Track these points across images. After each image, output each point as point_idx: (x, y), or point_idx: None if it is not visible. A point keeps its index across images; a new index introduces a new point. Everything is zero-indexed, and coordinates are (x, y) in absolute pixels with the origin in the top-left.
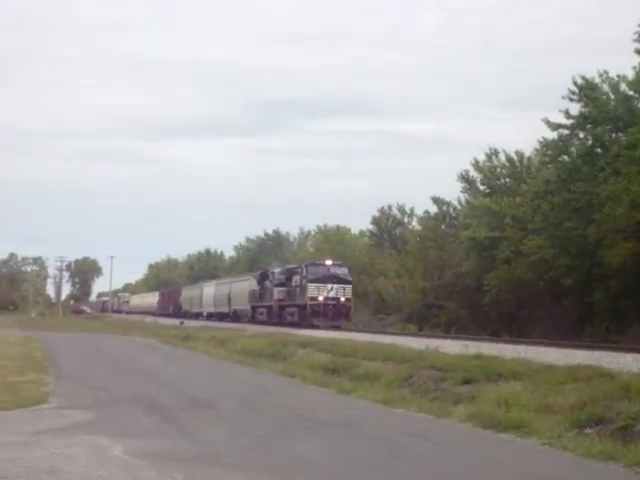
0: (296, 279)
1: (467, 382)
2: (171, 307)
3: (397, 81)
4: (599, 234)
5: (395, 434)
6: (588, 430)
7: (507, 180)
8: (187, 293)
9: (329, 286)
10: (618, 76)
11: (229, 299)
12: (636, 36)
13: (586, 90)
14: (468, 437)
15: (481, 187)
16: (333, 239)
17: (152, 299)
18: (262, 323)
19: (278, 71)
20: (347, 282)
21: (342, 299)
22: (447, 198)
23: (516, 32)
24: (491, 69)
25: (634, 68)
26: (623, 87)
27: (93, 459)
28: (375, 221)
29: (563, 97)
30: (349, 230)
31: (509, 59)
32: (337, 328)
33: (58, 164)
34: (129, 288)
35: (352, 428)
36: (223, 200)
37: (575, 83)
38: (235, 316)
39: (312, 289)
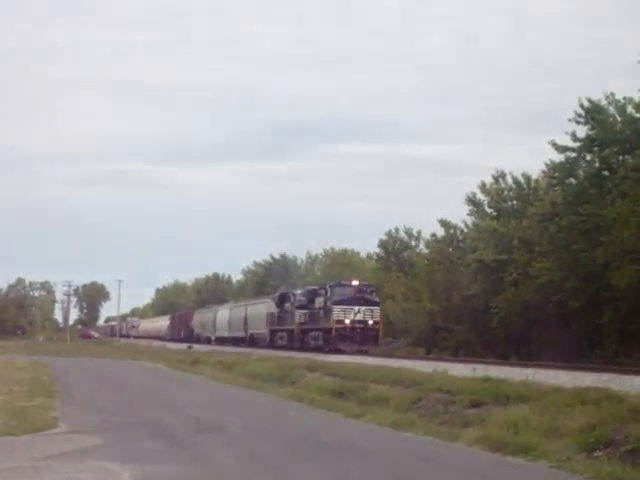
0: (319, 301)
1: (475, 405)
2: (182, 331)
3: (403, 105)
4: (607, 256)
5: (403, 458)
6: (597, 453)
7: (514, 202)
8: (200, 317)
9: (356, 308)
10: (624, 98)
11: (245, 323)
12: None
13: (592, 112)
14: (477, 461)
15: (488, 210)
16: (340, 262)
17: (162, 323)
18: (282, 348)
19: (282, 96)
20: (375, 304)
21: (370, 322)
22: (454, 221)
23: (522, 55)
24: (498, 92)
25: None
26: (630, 109)
27: None
28: (382, 244)
29: (570, 120)
30: (357, 253)
31: (516, 82)
32: (364, 353)
33: (61, 188)
34: (137, 312)
35: (360, 452)
36: (230, 224)
37: (582, 105)
38: (252, 341)
39: (338, 311)
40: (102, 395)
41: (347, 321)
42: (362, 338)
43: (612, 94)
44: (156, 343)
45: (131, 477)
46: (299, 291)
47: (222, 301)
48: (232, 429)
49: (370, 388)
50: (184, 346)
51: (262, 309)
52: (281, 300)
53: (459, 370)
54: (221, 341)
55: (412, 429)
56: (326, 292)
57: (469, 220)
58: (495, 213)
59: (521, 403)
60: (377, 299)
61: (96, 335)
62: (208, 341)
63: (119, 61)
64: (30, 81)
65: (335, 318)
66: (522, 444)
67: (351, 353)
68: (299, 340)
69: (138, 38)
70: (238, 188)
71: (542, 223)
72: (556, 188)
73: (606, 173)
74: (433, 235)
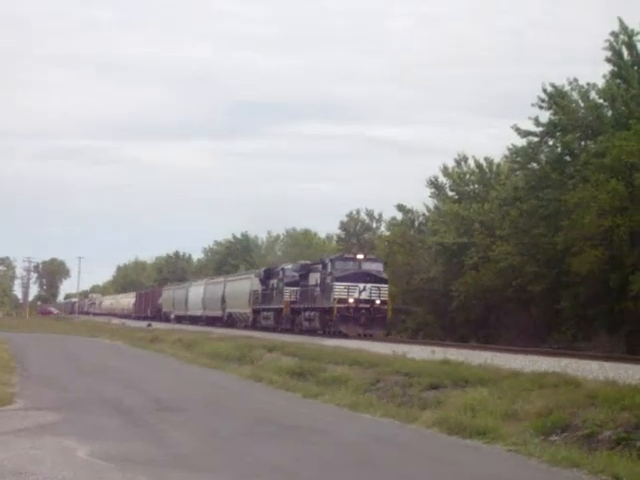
0: (315, 277)
1: (434, 387)
2: (149, 309)
3: (366, 85)
4: (567, 241)
5: (361, 439)
6: (554, 437)
7: (476, 186)
8: (169, 294)
9: (361, 285)
10: (588, 84)
11: (223, 301)
12: (607, 44)
13: (556, 98)
14: (434, 443)
15: (450, 193)
16: (302, 243)
17: (127, 300)
18: (267, 329)
19: (247, 74)
20: (383, 281)
21: (377, 302)
22: (414, 204)
23: (487, 39)
24: (462, 75)
25: (604, 76)
26: (593, 95)
27: (59, 461)
28: (343, 226)
29: (533, 104)
30: (317, 234)
31: (480, 66)
32: (369, 338)
33: (24, 164)
34: (97, 290)
35: (318, 432)
36: (192, 202)
37: (545, 90)
38: (230, 320)
39: (340, 289)
40: (61, 372)
41: (351, 300)
42: (368, 320)
43: (575, 80)
44: (115, 320)
45: (89, 454)
46: (289, 266)
47: (182, 279)
48: (190, 408)
49: (329, 369)
50: (143, 324)
51: (244, 286)
52: (267, 276)
53: (418, 352)
54: (194, 320)
55: (370, 410)
56: (325, 266)
57: (430, 203)
58: (457, 196)
59: (479, 386)
60: (385, 275)
61: (55, 311)
62: (180, 320)
63: (87, 37)
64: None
65: (337, 296)
66: (479, 427)
67: (355, 337)
68: (289, 321)
69: (106, 14)
70: (201, 166)
71: (503, 207)
72: (518, 172)
73: (568, 158)
74: (393, 219)
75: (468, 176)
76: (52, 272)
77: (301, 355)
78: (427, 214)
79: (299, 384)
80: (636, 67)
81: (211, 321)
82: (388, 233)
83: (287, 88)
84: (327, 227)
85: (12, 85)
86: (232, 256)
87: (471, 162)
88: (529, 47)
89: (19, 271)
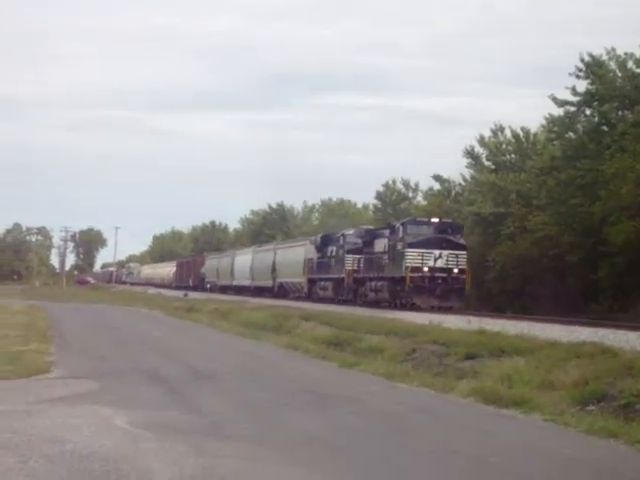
0: (382, 243)
1: (470, 357)
2: (191, 279)
3: (402, 56)
4: (604, 212)
5: (397, 408)
6: (591, 407)
7: (512, 156)
8: (213, 263)
9: (437, 252)
10: (625, 54)
11: (273, 269)
12: None
13: (593, 67)
14: (471, 412)
15: (486, 163)
16: (338, 213)
17: (167, 270)
18: (324, 301)
19: (282, 45)
20: (461, 247)
21: (455, 270)
22: (452, 174)
23: (523, 8)
24: (497, 46)
25: None
26: (630, 65)
27: (96, 429)
28: (379, 196)
29: (570, 74)
30: (354, 204)
31: (516, 36)
32: (447, 311)
33: (60, 134)
34: (133, 259)
35: (354, 402)
36: (228, 173)
37: (582, 60)
38: (282, 291)
39: (413, 256)
40: (97, 341)
41: (425, 269)
42: (444, 291)
43: (613, 49)
44: (152, 290)
45: (126, 422)
46: (350, 232)
47: (218, 249)
48: (227, 378)
49: (365, 338)
50: (180, 293)
51: (297, 253)
52: (324, 243)
53: (454, 322)
54: (240, 291)
55: (406, 380)
56: (394, 231)
57: (467, 173)
58: (493, 166)
59: (515, 356)
60: (463, 241)
61: (92, 281)
62: (225, 290)
63: (107, 7)
64: (16, 28)
65: (409, 264)
66: (516, 397)
67: (430, 310)
68: (351, 292)
69: None
70: (236, 137)
71: (540, 177)
72: (555, 142)
73: (605, 128)
74: (430, 189)
75: (505, 146)
76: (89, 242)
77: (337, 325)
78: (464, 184)
79: (335, 353)
80: None
81: (260, 291)
82: (425, 203)
83: (321, 59)
84: (362, 198)
85: (46, 58)
86: (268, 226)
87: (507, 132)
88: (565, 18)
89: (56, 241)
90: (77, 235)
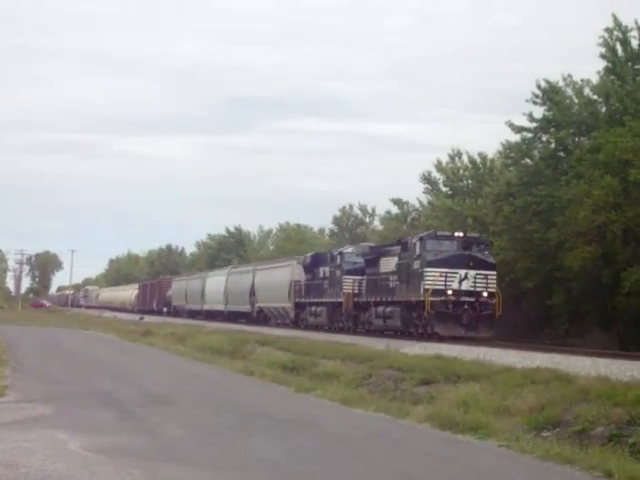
0: (391, 262)
1: (426, 383)
2: (155, 303)
3: (364, 82)
4: (560, 237)
5: (353, 433)
6: (546, 433)
7: (469, 182)
8: (180, 285)
9: (462, 272)
10: (582, 80)
11: (252, 293)
12: (601, 41)
13: (550, 94)
14: (426, 438)
15: (443, 188)
16: (294, 238)
17: (129, 292)
18: (315, 328)
19: (245, 70)
20: (490, 266)
21: (484, 294)
22: (409, 199)
23: (484, 36)
24: (456, 72)
25: (598, 72)
26: (587, 91)
27: (50, 453)
28: (336, 220)
29: (527, 100)
30: (310, 229)
31: (475, 63)
32: (473, 341)
33: (17, 156)
34: (89, 282)
35: (310, 427)
36: (186, 197)
37: (539, 86)
38: (261, 316)
39: (434, 277)
40: (53, 364)
41: (449, 292)
42: (472, 318)
43: (570, 76)
44: (107, 313)
45: (81, 447)
46: (349, 249)
47: (175, 273)
48: (182, 402)
49: (321, 363)
50: (135, 317)
51: (281, 275)
52: (314, 263)
53: (410, 348)
54: (212, 316)
55: (363, 405)
56: (407, 248)
57: (424, 198)
58: (450, 192)
59: (472, 381)
60: (492, 259)
61: (48, 304)
62: (192, 315)
63: (81, 31)
64: None
65: (429, 286)
66: (472, 422)
67: (454, 340)
68: (350, 318)
69: (103, 8)
70: (193, 160)
71: (497, 203)
72: (511, 168)
73: (562, 154)
74: (387, 212)
75: (462, 171)
76: (44, 265)
77: (294, 350)
78: (420, 209)
79: (291, 378)
80: (630, 63)
81: (235, 317)
82: (381, 228)
83: (283, 84)
84: (321, 222)
85: (5, 78)
86: (225, 250)
87: (465, 158)
88: (524, 45)
89: (11, 264)
90: (33, 258)
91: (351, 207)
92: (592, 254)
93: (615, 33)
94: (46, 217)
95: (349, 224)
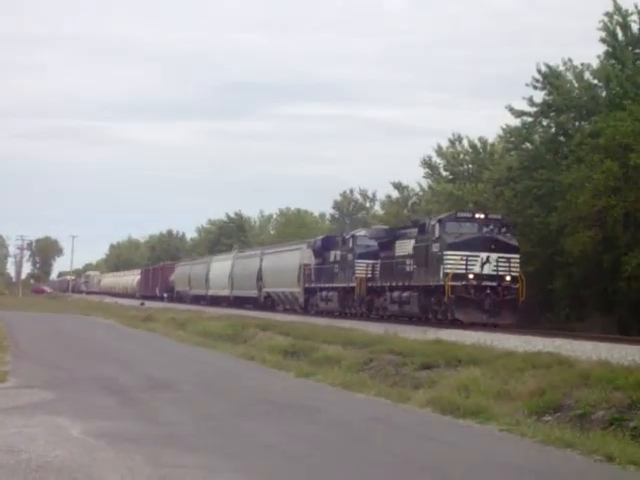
0: (407, 245)
1: (427, 367)
2: (158, 288)
3: (364, 67)
4: (561, 222)
5: (354, 418)
6: (547, 417)
7: (470, 166)
8: (184, 270)
9: (484, 256)
10: (582, 64)
11: (259, 278)
12: (601, 25)
13: (550, 78)
14: (427, 422)
15: (444, 173)
16: (295, 222)
17: (130, 278)
18: (325, 314)
19: (245, 56)
20: (513, 249)
21: (507, 278)
22: (410, 184)
23: (483, 20)
24: (458, 57)
25: (598, 57)
26: (587, 75)
27: (52, 439)
28: (337, 205)
29: (527, 85)
30: (311, 214)
31: (476, 47)
32: (496, 328)
33: (17, 143)
34: (90, 268)
35: (311, 412)
36: (186, 182)
37: (539, 71)
38: (269, 302)
39: (454, 260)
40: (54, 350)
41: (470, 276)
42: (494, 304)
43: (570, 60)
44: (108, 299)
45: (82, 432)
46: (362, 232)
47: (175, 258)
48: (184, 387)
49: (322, 348)
50: (137, 303)
51: (290, 259)
52: (325, 246)
53: (410, 332)
54: (217, 301)
55: (363, 390)
56: (425, 230)
57: (424, 183)
58: (450, 176)
59: (472, 366)
60: (515, 242)
61: (49, 290)
62: (196, 301)
63: (81, 17)
64: None
65: (450, 270)
66: (472, 407)
67: (475, 327)
68: (364, 303)
69: None
70: (193, 146)
71: (497, 187)
72: (512, 153)
73: (562, 139)
74: (388, 196)
75: (462, 156)
76: (45, 250)
77: (294, 334)
78: (421, 194)
79: (292, 363)
80: (630, 47)
81: (241, 302)
82: (382, 212)
83: (282, 70)
84: (320, 207)
85: (3, 65)
86: (226, 235)
87: (465, 142)
88: (524, 29)
89: (12, 249)
90: (33, 244)
91: (352, 192)
92: (592, 239)
93: (615, 17)
94: (46, 203)
95: (350, 209)
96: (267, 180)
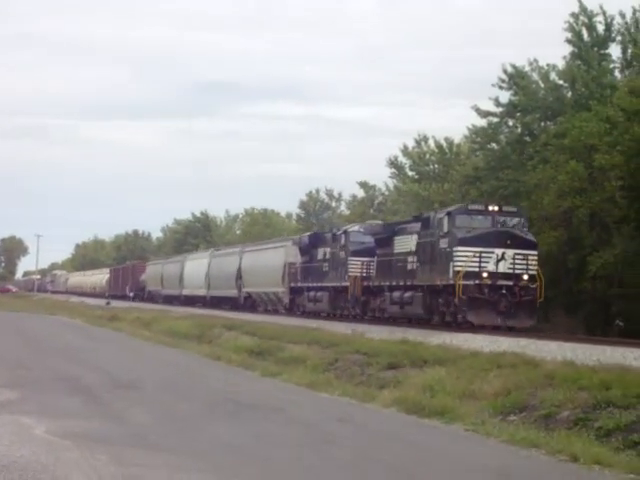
0: (409, 241)
1: (392, 367)
2: (128, 287)
3: (331, 67)
4: None
5: (320, 418)
6: (512, 417)
7: (436, 166)
8: (156, 269)
9: (499, 252)
10: (548, 65)
11: (239, 277)
12: (567, 26)
13: (516, 78)
14: (392, 422)
15: (410, 173)
16: (261, 222)
17: (99, 277)
18: (314, 316)
19: (213, 56)
20: (530, 245)
21: (524, 277)
22: (377, 183)
23: (451, 21)
24: (424, 57)
25: (564, 57)
26: (553, 76)
27: (16, 439)
28: (303, 205)
29: (493, 85)
30: (277, 213)
31: (442, 48)
32: (511, 331)
33: None
34: (55, 267)
35: (276, 411)
36: (152, 182)
37: (505, 71)
38: (249, 302)
39: (466, 257)
40: (18, 350)
41: (484, 274)
42: (510, 304)
43: (536, 60)
44: (74, 299)
45: (46, 432)
46: (355, 227)
47: (141, 258)
48: (149, 387)
49: (287, 348)
50: (102, 302)
51: (274, 257)
52: (312, 244)
53: (377, 332)
54: (192, 301)
55: (329, 390)
56: (430, 224)
57: (390, 183)
58: (416, 176)
59: (438, 366)
60: (532, 237)
61: (14, 289)
62: (169, 301)
63: (45, 14)
64: None
65: (461, 268)
66: (437, 407)
67: (489, 330)
68: (358, 304)
69: None
70: (160, 145)
71: (463, 187)
72: (478, 153)
73: (528, 139)
74: (353, 196)
75: (428, 156)
76: (10, 250)
77: (260, 334)
78: (387, 194)
79: (257, 363)
80: (596, 48)
81: (219, 303)
82: (348, 212)
83: (250, 70)
84: (286, 207)
85: None
86: (192, 235)
87: (431, 142)
88: (491, 30)
89: None
90: None
91: (317, 192)
92: (558, 239)
93: (581, 18)
94: (12, 202)
95: (315, 209)
96: (233, 180)
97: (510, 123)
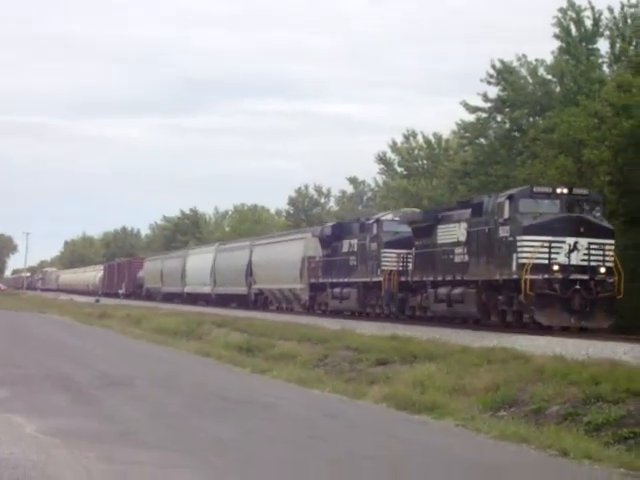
0: (456, 230)
1: (382, 363)
2: (124, 285)
3: (319, 63)
4: None
5: (310, 414)
6: (502, 412)
7: (425, 162)
8: (155, 266)
9: (571, 242)
10: (536, 60)
11: (249, 272)
12: (555, 21)
13: (504, 74)
14: (382, 418)
15: (399, 169)
16: (250, 218)
17: (92, 274)
18: (340, 315)
19: (201, 53)
20: (607, 233)
21: (601, 270)
22: (365, 179)
23: (439, 17)
24: (413, 53)
25: (552, 52)
26: (541, 71)
27: (5, 437)
28: (292, 201)
29: (481, 80)
30: (267, 210)
31: (431, 43)
32: (585, 332)
33: None
34: (45, 265)
35: (266, 408)
36: (141, 179)
37: (493, 67)
38: (261, 300)
39: (533, 248)
40: (8, 348)
41: (555, 267)
42: (585, 302)
43: (524, 56)
44: (63, 296)
45: (36, 430)
46: (389, 216)
47: (131, 255)
48: (139, 384)
49: (277, 345)
50: (91, 299)
51: (291, 251)
52: (336, 235)
53: (367, 328)
54: (195, 299)
55: (319, 386)
56: (485, 210)
57: (379, 179)
58: (405, 172)
59: (428, 362)
60: (608, 224)
61: (3, 287)
62: (170, 299)
63: (38, 13)
64: None
65: (527, 260)
66: (428, 402)
67: (562, 331)
68: (394, 302)
69: None
70: (149, 142)
71: (452, 183)
72: (467, 148)
73: (516, 134)
74: (342, 192)
75: (417, 152)
76: None
77: (250, 331)
78: (376, 189)
79: (247, 360)
80: (584, 43)
81: (226, 300)
82: (337, 209)
83: (238, 66)
84: (277, 203)
85: None
86: (181, 232)
87: (420, 138)
88: (479, 25)
89: None
90: None
91: (306, 188)
92: None
93: (569, 13)
94: (0, 200)
95: (304, 205)
96: (222, 176)
97: (499, 118)
